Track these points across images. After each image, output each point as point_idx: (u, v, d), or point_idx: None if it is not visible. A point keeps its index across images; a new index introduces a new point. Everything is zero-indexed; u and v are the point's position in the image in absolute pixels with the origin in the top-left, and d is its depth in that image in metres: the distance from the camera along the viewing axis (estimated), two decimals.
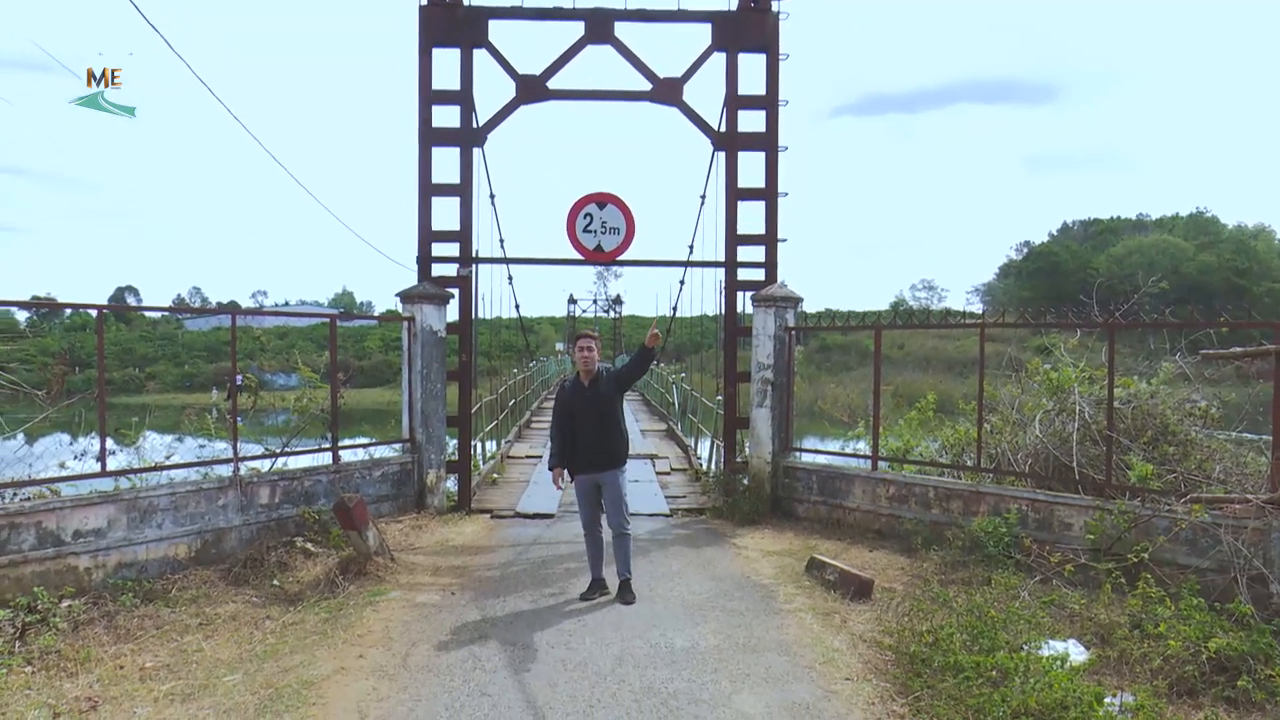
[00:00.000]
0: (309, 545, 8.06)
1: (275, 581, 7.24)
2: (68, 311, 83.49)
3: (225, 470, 7.97)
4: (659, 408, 24.78)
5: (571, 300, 73.99)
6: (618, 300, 76.35)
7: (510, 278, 19.59)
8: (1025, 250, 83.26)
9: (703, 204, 14.05)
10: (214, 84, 17.88)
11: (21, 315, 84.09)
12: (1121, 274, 68.42)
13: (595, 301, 76.38)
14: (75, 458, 7.68)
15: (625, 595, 6.62)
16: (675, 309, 19.25)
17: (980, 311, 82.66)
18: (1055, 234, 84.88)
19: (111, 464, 7.34)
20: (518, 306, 16.26)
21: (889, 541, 8.50)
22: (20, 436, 7.77)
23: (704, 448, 15.24)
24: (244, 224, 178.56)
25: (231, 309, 8.02)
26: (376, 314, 13.28)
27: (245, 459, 8.22)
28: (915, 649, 5.05)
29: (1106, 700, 4.48)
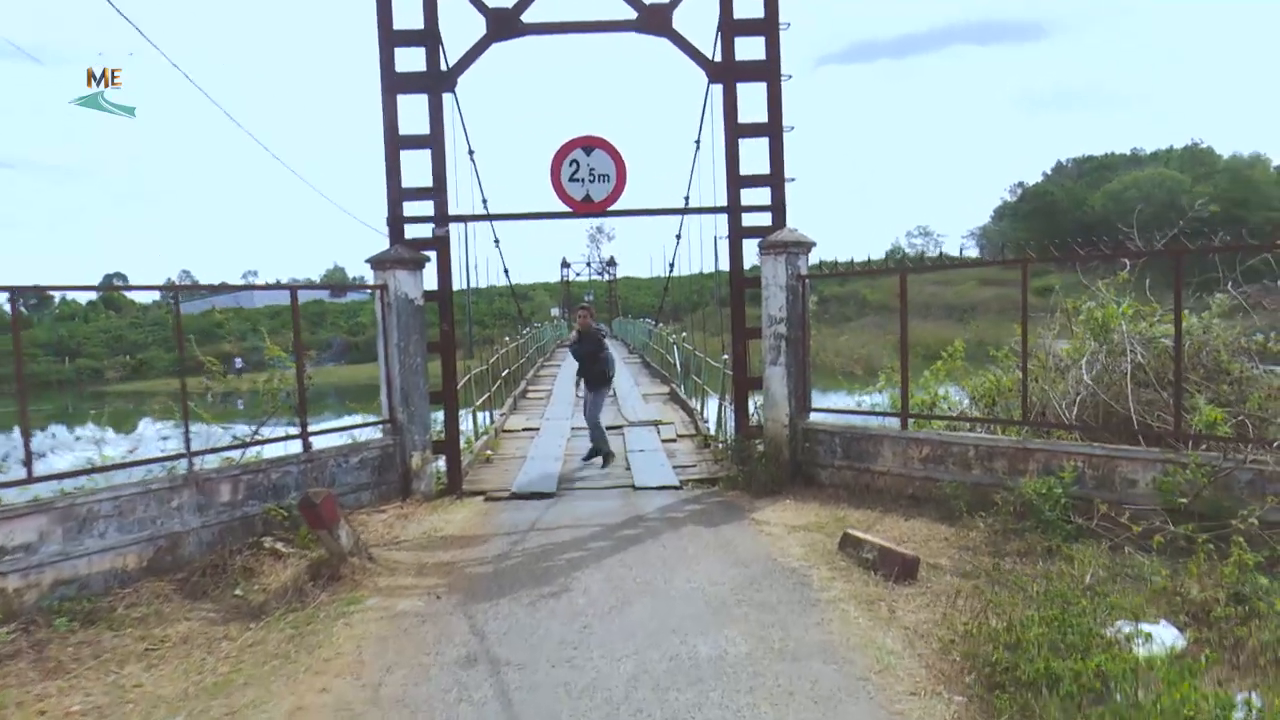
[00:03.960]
0: (279, 545, 7.17)
1: (238, 591, 6.36)
2: (56, 301, 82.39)
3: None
4: (659, 369, 23.87)
5: (565, 264, 73.01)
6: (611, 262, 75.38)
7: (497, 240, 18.62)
8: (1020, 191, 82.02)
9: (698, 149, 13.04)
10: (172, 49, 16.74)
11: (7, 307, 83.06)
12: (1118, 210, 67.31)
13: (589, 264, 75.41)
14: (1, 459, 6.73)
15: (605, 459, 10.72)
16: (673, 266, 18.31)
17: (977, 255, 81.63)
18: (1049, 173, 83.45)
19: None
20: (506, 271, 15.36)
21: (925, 508, 7.63)
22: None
23: (710, 410, 14.36)
24: (234, 206, 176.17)
25: (171, 287, 7.03)
26: (350, 285, 12.27)
27: (200, 452, 7.30)
28: (996, 655, 4.16)
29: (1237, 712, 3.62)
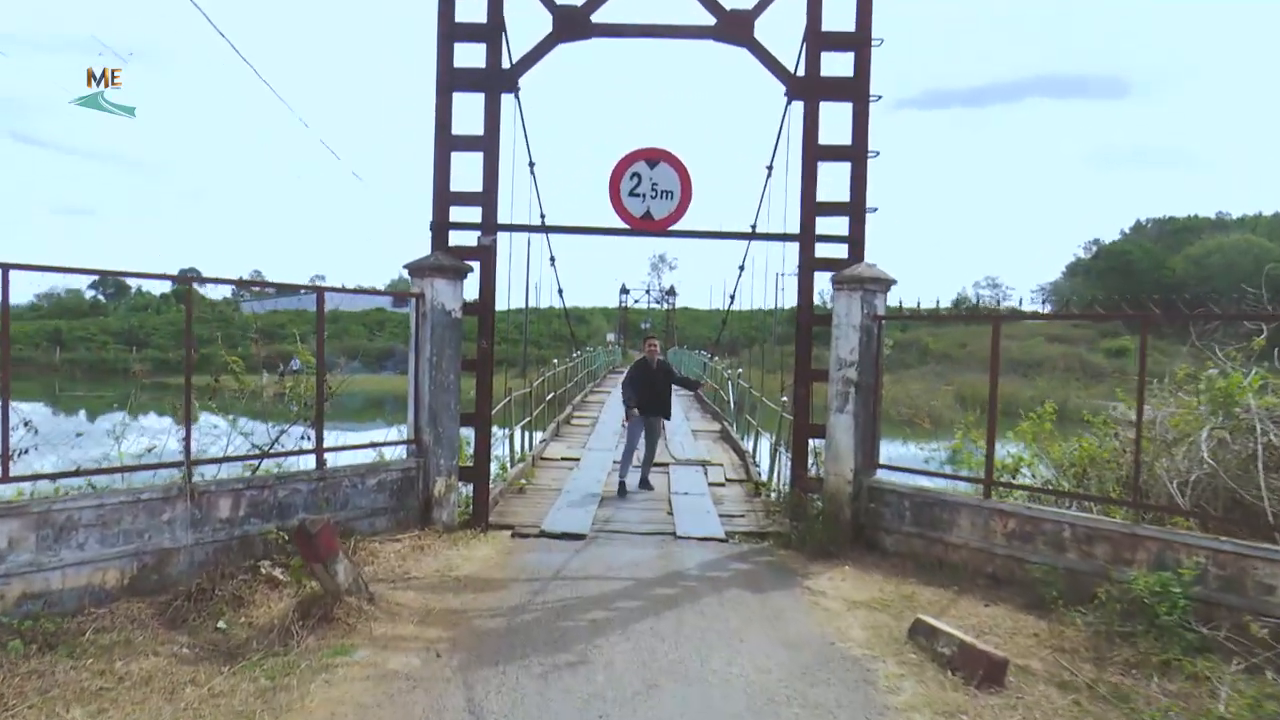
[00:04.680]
0: (277, 572, 6.46)
1: (221, 624, 5.63)
2: (132, 291, 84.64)
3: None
4: (712, 405, 22.94)
5: (624, 290, 72.56)
6: (671, 291, 74.77)
7: (553, 258, 17.95)
8: (1095, 249, 79.44)
9: (769, 174, 12.23)
10: (247, 48, 16.55)
11: (89, 293, 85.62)
12: (1200, 275, 64.62)
13: (648, 292, 74.90)
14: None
15: (645, 485, 10.98)
16: (733, 298, 17.44)
17: (1046, 310, 78.96)
18: (1128, 232, 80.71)
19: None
20: (561, 291, 14.55)
21: (1008, 591, 6.62)
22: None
23: (763, 451, 13.41)
24: (306, 208, 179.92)
25: (185, 277, 6.44)
26: (383, 291, 11.84)
27: (201, 461, 6.65)
28: None
29: None
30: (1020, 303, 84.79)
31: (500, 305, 9.65)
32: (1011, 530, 6.88)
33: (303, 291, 9.42)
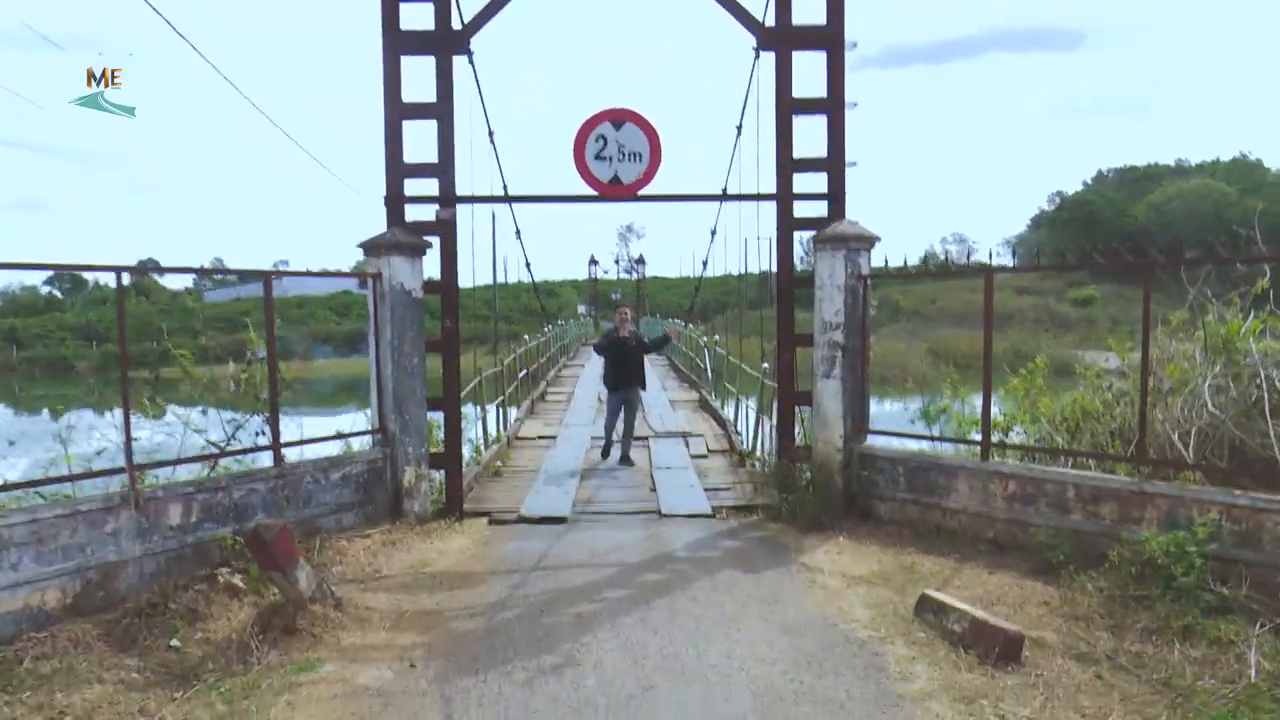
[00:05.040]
0: (236, 580, 5.99)
1: (174, 641, 5.18)
2: (90, 284, 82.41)
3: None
4: (689, 373, 22.58)
5: (593, 261, 71.86)
6: (640, 260, 74.24)
7: (519, 232, 17.39)
8: (1058, 200, 79.80)
9: (739, 133, 11.79)
10: (190, 28, 15.68)
11: (44, 289, 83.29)
12: (1161, 222, 65.07)
13: (617, 262, 74.47)
14: None
15: (626, 461, 10.70)
16: (706, 264, 17.02)
17: (1013, 263, 79.21)
18: (1090, 183, 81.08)
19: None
20: (529, 265, 14.05)
21: (1012, 557, 6.32)
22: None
23: (744, 419, 13.07)
24: (266, 194, 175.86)
25: (120, 268, 5.92)
26: (336, 273, 11.14)
27: (144, 466, 6.15)
28: None
29: None
30: (991, 256, 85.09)
31: (466, 282, 9.20)
32: (1012, 492, 6.58)
33: (250, 277, 8.83)
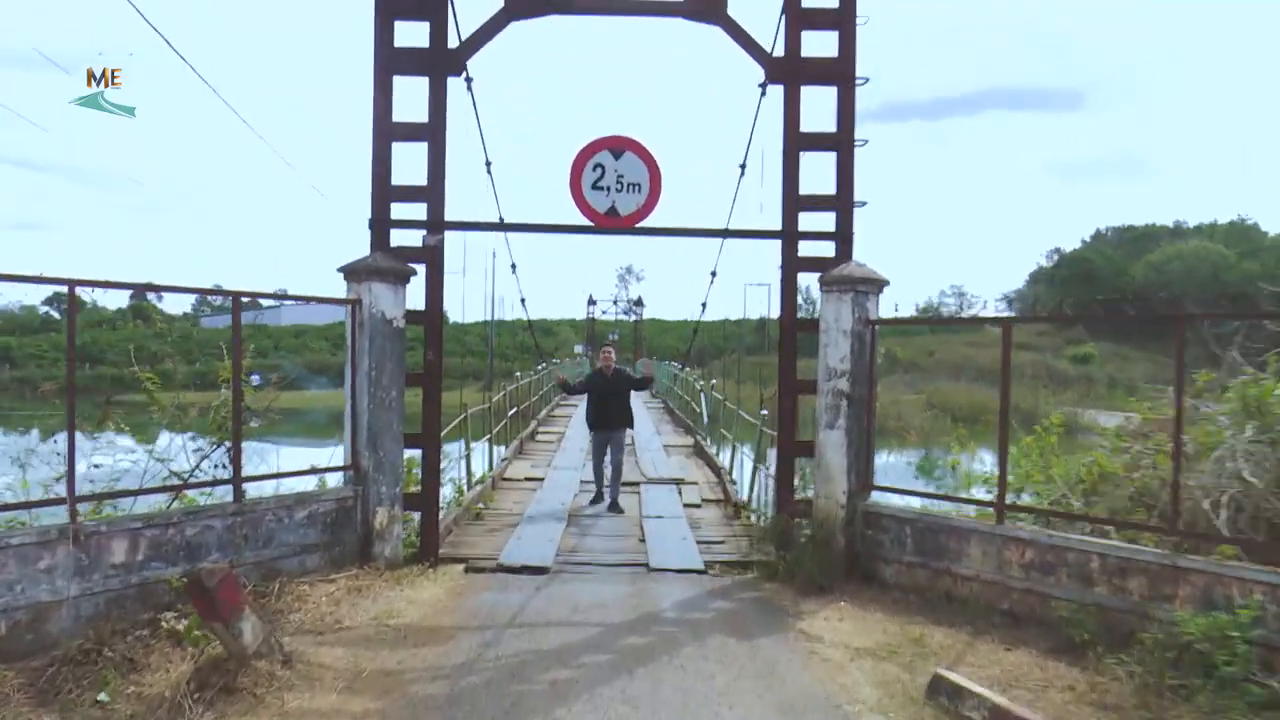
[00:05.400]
0: (181, 626, 5.46)
1: (103, 695, 4.64)
2: (88, 304, 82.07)
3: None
4: (684, 418, 22.08)
5: (591, 301, 71.70)
6: (638, 302, 74.00)
7: (514, 266, 17.03)
8: (1056, 257, 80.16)
9: (743, 172, 11.46)
10: (189, 48, 15.51)
11: (43, 309, 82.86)
12: (1160, 281, 65.20)
13: (615, 303, 74.08)
14: None
15: (615, 509, 10.17)
16: (704, 306, 16.64)
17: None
18: (1088, 241, 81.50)
19: None
20: (524, 300, 13.61)
21: (1030, 631, 5.80)
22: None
23: (740, 467, 12.55)
24: (269, 221, 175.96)
25: (69, 280, 5.46)
26: (311, 298, 10.53)
27: (86, 498, 5.64)
28: None
29: None
30: (989, 309, 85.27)
31: (460, 317, 8.78)
32: (1030, 560, 6.08)
33: (218, 298, 8.41)
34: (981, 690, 4.47)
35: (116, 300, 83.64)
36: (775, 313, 8.04)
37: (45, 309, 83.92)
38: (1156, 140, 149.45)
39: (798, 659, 5.36)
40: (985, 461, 10.50)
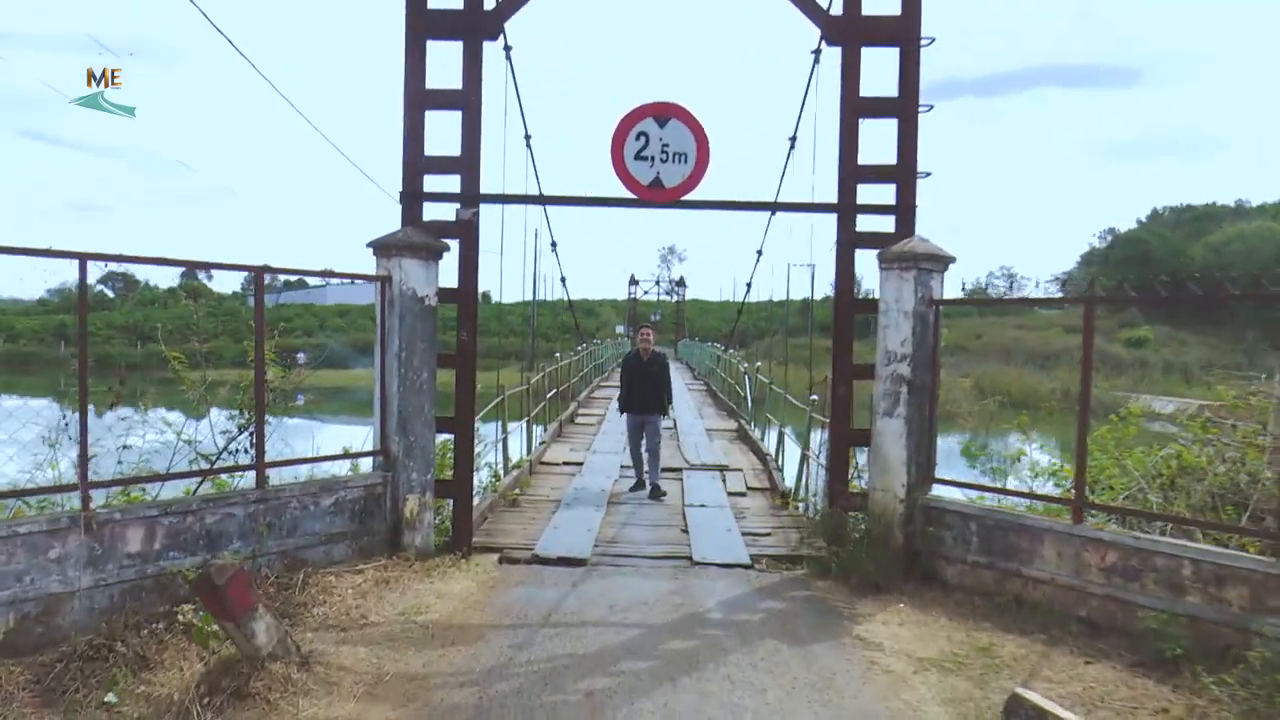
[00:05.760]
0: (198, 620, 5.18)
1: (110, 696, 4.36)
2: (142, 285, 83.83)
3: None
4: (727, 400, 21.59)
5: (633, 281, 71.43)
6: (681, 282, 73.49)
7: (554, 244, 16.69)
8: (1110, 238, 77.75)
9: (792, 145, 10.93)
10: (239, 34, 15.20)
11: (98, 288, 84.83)
12: (1220, 263, 62.70)
13: (658, 283, 73.68)
14: None
15: (656, 493, 9.85)
16: (750, 286, 16.15)
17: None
18: (1144, 221, 78.83)
19: None
20: (564, 280, 13.32)
21: (1111, 642, 5.27)
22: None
23: (786, 452, 12.06)
24: (316, 204, 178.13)
25: (80, 254, 5.16)
26: (338, 273, 9.84)
27: (99, 484, 5.36)
28: None
29: None
30: (1040, 290, 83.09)
31: (507, 298, 8.42)
32: (1111, 564, 5.53)
33: (245, 272, 8.16)
34: (1067, 715, 3.98)
35: (166, 280, 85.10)
36: (819, 294, 7.55)
37: (100, 287, 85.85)
38: (1217, 117, 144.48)
39: (856, 670, 4.90)
40: (1043, 451, 9.91)
